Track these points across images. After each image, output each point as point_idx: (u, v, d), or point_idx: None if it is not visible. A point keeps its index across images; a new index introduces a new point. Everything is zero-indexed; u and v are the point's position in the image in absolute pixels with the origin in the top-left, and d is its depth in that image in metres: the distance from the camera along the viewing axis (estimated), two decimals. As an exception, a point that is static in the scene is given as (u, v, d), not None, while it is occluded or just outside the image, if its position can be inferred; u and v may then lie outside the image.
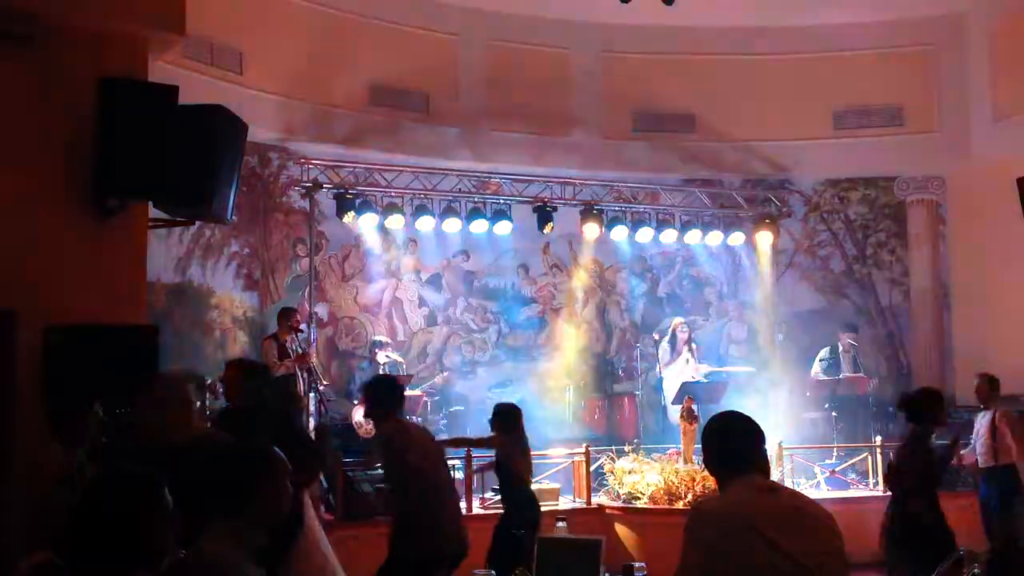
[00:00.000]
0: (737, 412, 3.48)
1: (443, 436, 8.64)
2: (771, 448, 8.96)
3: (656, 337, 12.11)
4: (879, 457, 10.03)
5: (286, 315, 9.83)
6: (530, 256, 12.46)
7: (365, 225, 11.16)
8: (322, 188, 10.78)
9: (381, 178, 11.19)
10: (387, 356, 10.76)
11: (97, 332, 5.88)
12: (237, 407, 5.24)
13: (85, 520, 2.77)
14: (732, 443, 3.30)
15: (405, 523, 5.40)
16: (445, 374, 11.70)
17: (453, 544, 5.43)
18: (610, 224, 11.92)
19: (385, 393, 5.86)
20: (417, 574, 5.29)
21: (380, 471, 7.32)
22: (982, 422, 8.39)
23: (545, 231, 11.71)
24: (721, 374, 11.44)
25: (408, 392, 9.58)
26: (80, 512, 2.81)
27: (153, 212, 6.91)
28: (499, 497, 7.52)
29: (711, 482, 3.29)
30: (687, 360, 11.34)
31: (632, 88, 11.96)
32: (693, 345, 11.53)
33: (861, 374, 11.33)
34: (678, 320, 11.78)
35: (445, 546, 5.38)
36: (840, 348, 11.42)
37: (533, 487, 9.06)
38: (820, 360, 11.46)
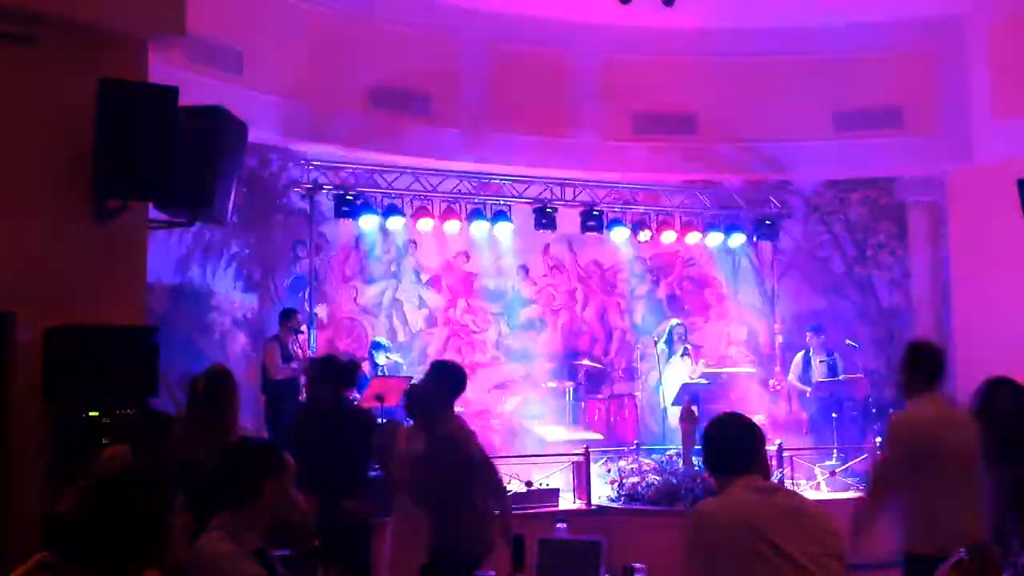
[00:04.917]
0: (737, 413, 3.49)
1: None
2: (771, 449, 8.98)
3: (655, 338, 12.10)
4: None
5: (287, 316, 9.85)
6: (530, 257, 12.46)
7: (365, 226, 11.18)
8: (322, 189, 10.79)
9: (381, 179, 11.19)
10: (387, 357, 10.76)
11: (97, 332, 5.88)
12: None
13: (104, 519, 2.78)
14: (732, 444, 3.31)
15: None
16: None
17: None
18: (610, 225, 11.92)
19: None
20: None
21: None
22: None
23: (545, 232, 11.71)
24: (721, 375, 11.44)
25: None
26: (99, 511, 2.82)
27: (153, 213, 6.91)
28: None
29: (711, 483, 3.32)
30: (683, 360, 11.32)
31: (632, 88, 11.94)
32: (689, 346, 11.53)
33: (848, 376, 11.26)
34: (674, 321, 11.78)
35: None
36: (811, 351, 11.36)
37: (534, 487, 9.14)
38: (796, 364, 11.45)
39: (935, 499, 4.50)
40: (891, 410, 6.14)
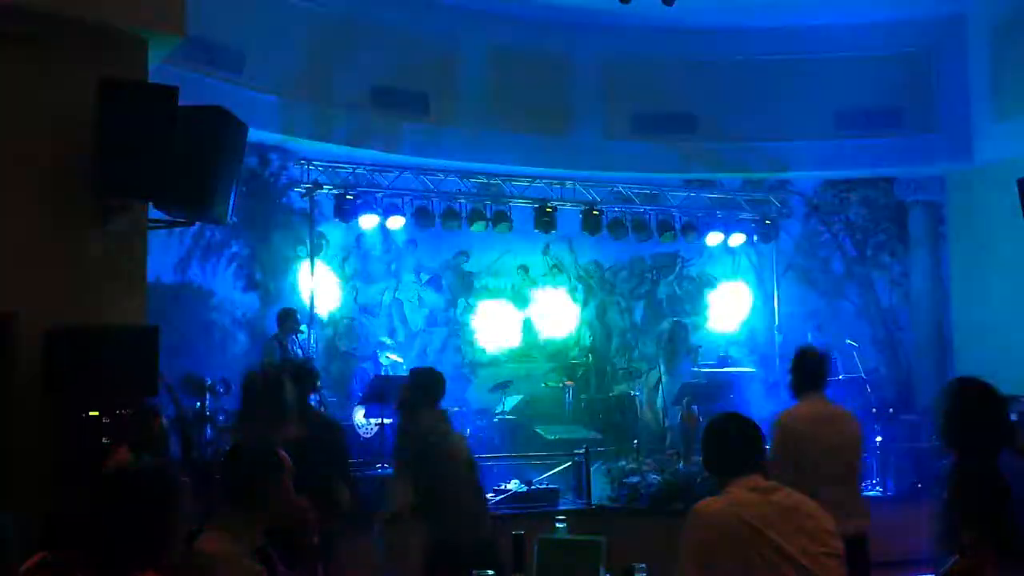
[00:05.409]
0: (737, 413, 3.50)
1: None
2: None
3: (656, 338, 12.10)
4: (878, 457, 10.03)
5: (286, 316, 9.85)
6: (530, 257, 12.46)
7: (365, 226, 11.18)
8: (322, 189, 10.79)
9: (381, 179, 11.20)
10: (387, 357, 10.77)
11: (97, 332, 5.87)
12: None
13: (104, 519, 2.78)
14: (732, 444, 3.31)
15: None
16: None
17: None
18: (610, 225, 11.92)
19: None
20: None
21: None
22: None
23: (545, 232, 11.72)
24: (721, 375, 11.44)
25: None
26: (99, 511, 2.82)
27: (153, 213, 6.91)
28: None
29: (711, 483, 3.37)
30: (685, 360, 11.32)
31: (632, 88, 11.95)
32: (690, 346, 11.53)
33: (840, 377, 11.24)
34: (676, 320, 11.78)
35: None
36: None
37: (534, 487, 9.14)
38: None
39: (816, 487, 4.59)
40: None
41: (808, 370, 5.33)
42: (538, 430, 10.78)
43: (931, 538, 4.67)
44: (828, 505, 4.42)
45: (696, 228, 12.21)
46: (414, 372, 6.03)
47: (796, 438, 5.07)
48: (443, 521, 5.28)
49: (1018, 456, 5.00)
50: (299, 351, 9.81)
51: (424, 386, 5.71)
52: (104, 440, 5.59)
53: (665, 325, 12.06)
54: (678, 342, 11.47)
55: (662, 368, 11.54)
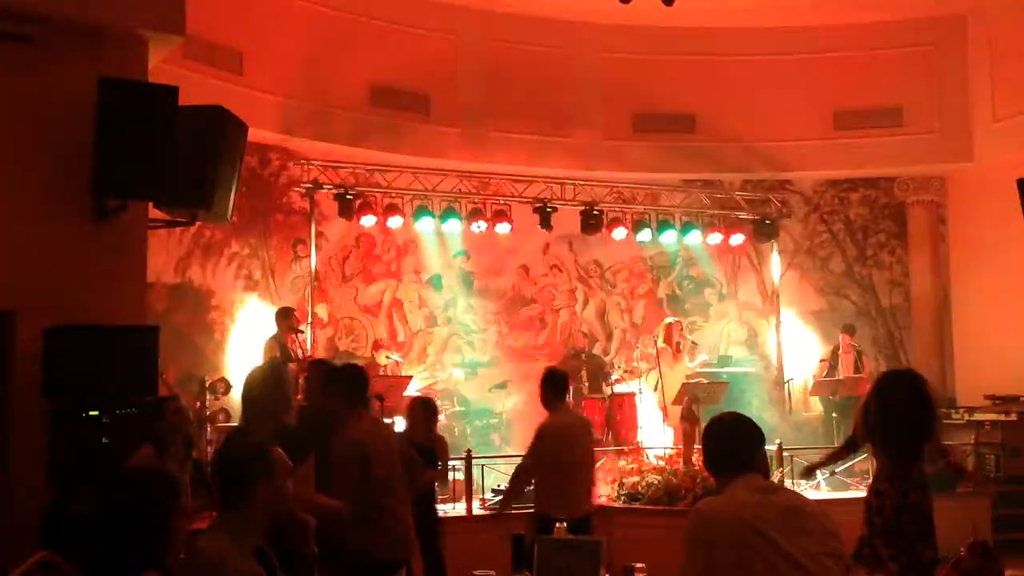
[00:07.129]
0: (737, 413, 3.49)
1: (444, 435, 8.50)
2: (771, 449, 8.97)
3: (655, 338, 12.08)
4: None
5: (285, 315, 9.83)
6: (530, 256, 12.46)
7: (365, 226, 11.18)
8: (322, 188, 10.79)
9: (381, 178, 11.19)
10: (387, 357, 10.76)
11: (97, 332, 5.87)
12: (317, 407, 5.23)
13: (110, 518, 2.78)
14: (732, 444, 3.31)
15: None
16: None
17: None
18: (610, 225, 11.92)
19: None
20: None
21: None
22: None
23: (545, 231, 11.71)
24: (721, 375, 11.43)
25: (407, 393, 9.60)
26: (105, 511, 2.82)
27: (153, 212, 6.91)
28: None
29: (711, 482, 3.39)
30: (683, 359, 11.30)
31: (632, 88, 11.95)
32: (691, 341, 11.51)
33: (861, 375, 11.29)
34: (672, 319, 11.75)
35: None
36: (840, 349, 11.44)
37: (534, 487, 9.11)
38: (821, 360, 11.51)
39: (558, 479, 6.12)
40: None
41: (557, 386, 6.38)
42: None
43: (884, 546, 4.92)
44: (572, 493, 6.11)
45: (696, 228, 12.21)
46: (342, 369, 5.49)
47: (551, 442, 6.18)
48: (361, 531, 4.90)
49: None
50: (299, 351, 9.81)
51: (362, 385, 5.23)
52: (104, 440, 5.59)
53: (662, 324, 12.03)
54: (677, 341, 11.44)
55: (662, 368, 11.52)
